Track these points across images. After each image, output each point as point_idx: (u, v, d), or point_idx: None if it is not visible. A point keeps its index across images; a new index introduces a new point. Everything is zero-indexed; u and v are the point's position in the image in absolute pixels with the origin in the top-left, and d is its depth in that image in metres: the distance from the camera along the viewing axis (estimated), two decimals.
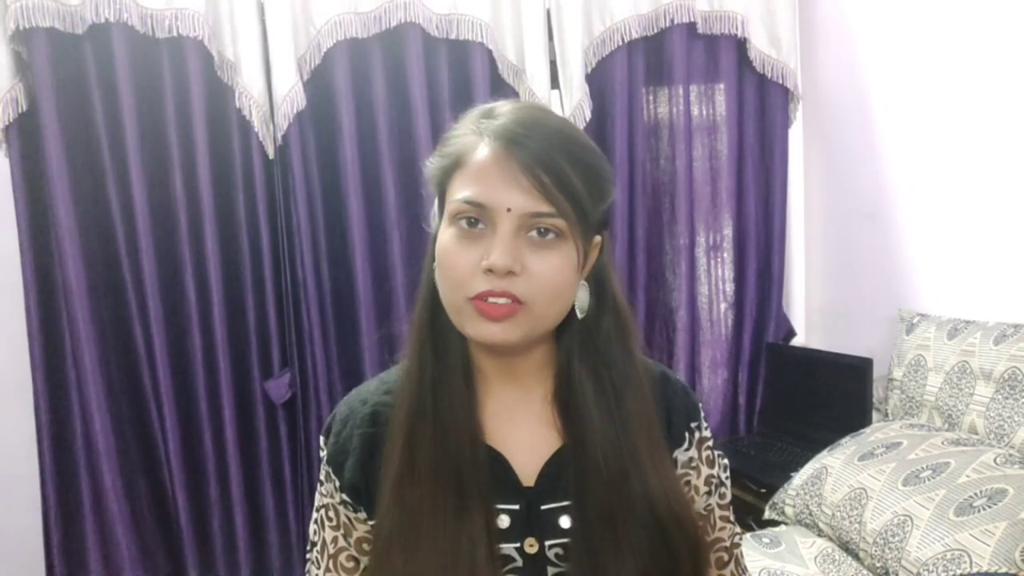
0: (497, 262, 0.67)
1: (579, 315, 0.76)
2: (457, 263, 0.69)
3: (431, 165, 0.76)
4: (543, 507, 0.76)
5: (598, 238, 0.76)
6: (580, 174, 0.69)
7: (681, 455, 0.82)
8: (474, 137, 0.71)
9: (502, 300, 0.68)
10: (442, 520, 0.71)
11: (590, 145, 0.73)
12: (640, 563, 0.72)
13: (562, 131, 0.71)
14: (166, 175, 2.04)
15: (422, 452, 0.74)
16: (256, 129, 2.06)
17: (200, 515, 2.14)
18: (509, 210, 0.67)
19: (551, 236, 0.69)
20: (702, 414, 0.85)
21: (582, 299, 0.76)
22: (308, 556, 0.85)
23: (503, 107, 0.73)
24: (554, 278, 0.69)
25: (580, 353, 0.77)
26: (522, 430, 0.78)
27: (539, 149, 0.67)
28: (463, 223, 0.69)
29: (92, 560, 2.05)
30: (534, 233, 0.69)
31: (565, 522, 0.75)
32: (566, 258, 0.70)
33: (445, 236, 0.71)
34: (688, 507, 0.78)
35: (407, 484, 0.73)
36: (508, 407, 0.79)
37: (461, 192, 0.69)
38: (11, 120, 1.89)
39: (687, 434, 0.83)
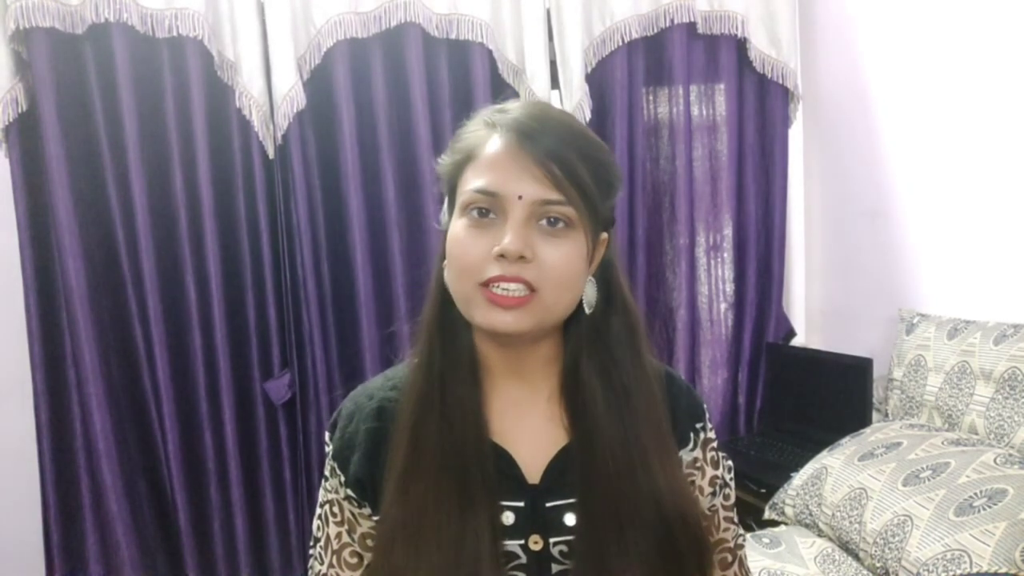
0: (510, 247, 0.67)
1: (587, 310, 0.76)
2: (468, 250, 0.70)
3: (443, 162, 0.77)
4: (548, 504, 0.76)
5: (605, 235, 0.77)
6: (589, 168, 0.71)
7: (686, 455, 0.82)
8: (486, 131, 0.73)
9: (513, 286, 0.69)
10: (446, 515, 0.71)
11: (598, 141, 0.75)
12: (645, 561, 0.72)
13: (572, 127, 0.73)
14: (166, 175, 2.04)
15: (427, 446, 0.74)
16: (256, 129, 2.05)
17: (200, 515, 2.14)
18: (520, 198, 0.69)
19: (561, 225, 0.70)
20: (707, 415, 0.86)
21: (589, 294, 0.76)
22: (311, 552, 0.85)
23: (514, 103, 0.75)
24: (564, 266, 0.70)
25: (589, 351, 0.77)
26: (528, 427, 0.79)
27: (550, 142, 0.69)
28: (474, 213, 0.71)
29: (92, 560, 2.05)
30: (544, 222, 0.70)
31: (570, 520, 0.76)
32: (576, 247, 0.71)
33: (456, 227, 0.72)
34: (695, 505, 0.78)
35: (412, 478, 0.73)
36: (514, 404, 0.79)
37: (473, 183, 0.71)
38: (11, 120, 1.89)
39: (692, 435, 0.83)
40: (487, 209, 0.70)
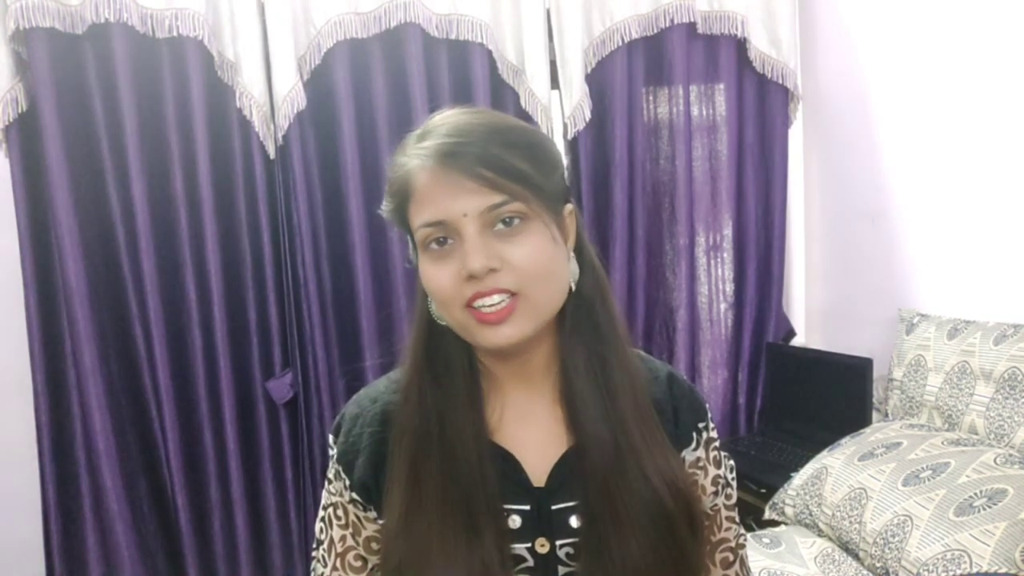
0: (473, 266, 0.68)
1: (572, 287, 0.77)
2: (440, 281, 0.71)
3: (385, 209, 0.77)
4: (554, 507, 0.76)
5: (569, 206, 0.77)
6: (520, 154, 0.70)
7: (689, 455, 0.82)
8: (412, 164, 0.72)
9: (496, 298, 0.69)
10: (452, 550, 0.72)
11: (522, 125, 0.75)
12: (649, 558, 0.72)
13: (491, 124, 0.72)
14: (166, 175, 2.03)
15: (428, 482, 0.74)
16: (256, 129, 2.05)
17: (200, 515, 2.14)
18: (466, 215, 0.69)
19: (516, 222, 0.70)
20: (709, 415, 0.86)
21: (573, 270, 0.77)
22: (313, 554, 0.85)
23: (432, 123, 0.74)
24: (536, 259, 0.70)
25: (571, 324, 0.78)
26: (533, 430, 0.79)
27: (472, 150, 0.69)
28: (433, 246, 0.71)
29: (92, 561, 2.04)
30: (500, 226, 0.70)
31: (575, 521, 0.76)
32: (540, 236, 0.71)
33: (423, 264, 0.73)
34: (686, 477, 0.79)
35: (415, 517, 0.73)
36: (519, 407, 0.79)
37: (419, 219, 0.71)
38: (11, 120, 1.88)
39: (694, 434, 0.83)
40: (443, 237, 0.70)
